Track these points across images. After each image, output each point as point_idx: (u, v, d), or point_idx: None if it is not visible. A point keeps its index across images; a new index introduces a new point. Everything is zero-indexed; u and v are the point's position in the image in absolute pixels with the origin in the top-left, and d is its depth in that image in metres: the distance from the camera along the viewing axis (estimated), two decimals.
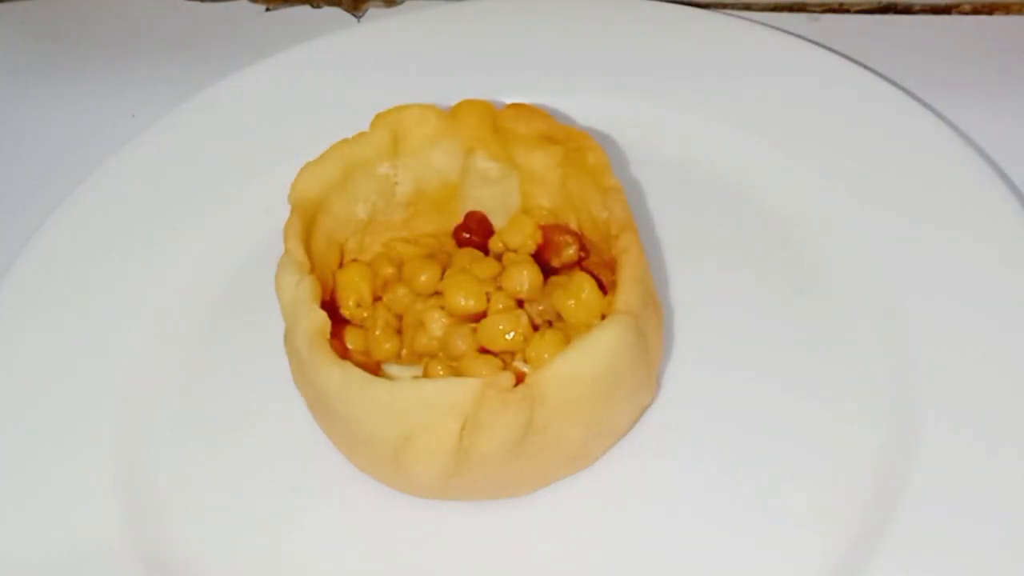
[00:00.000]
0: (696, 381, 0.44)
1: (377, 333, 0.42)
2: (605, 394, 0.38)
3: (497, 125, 0.44)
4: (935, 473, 0.39)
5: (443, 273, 0.42)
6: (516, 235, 0.44)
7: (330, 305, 0.43)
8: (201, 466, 0.43)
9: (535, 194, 0.44)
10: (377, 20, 0.57)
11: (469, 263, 0.42)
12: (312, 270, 0.40)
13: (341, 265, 0.44)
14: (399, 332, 0.42)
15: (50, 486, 0.42)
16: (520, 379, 0.37)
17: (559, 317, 0.41)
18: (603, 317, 0.40)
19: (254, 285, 0.46)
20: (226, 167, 0.51)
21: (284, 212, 0.42)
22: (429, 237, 0.45)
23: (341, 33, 0.56)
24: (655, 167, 0.50)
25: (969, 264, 0.44)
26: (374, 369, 0.42)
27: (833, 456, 0.41)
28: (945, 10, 0.57)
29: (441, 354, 0.41)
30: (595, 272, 0.42)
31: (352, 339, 0.42)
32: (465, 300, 0.41)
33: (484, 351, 0.41)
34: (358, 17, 0.60)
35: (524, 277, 0.41)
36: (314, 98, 0.53)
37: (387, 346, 0.42)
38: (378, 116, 0.44)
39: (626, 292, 0.38)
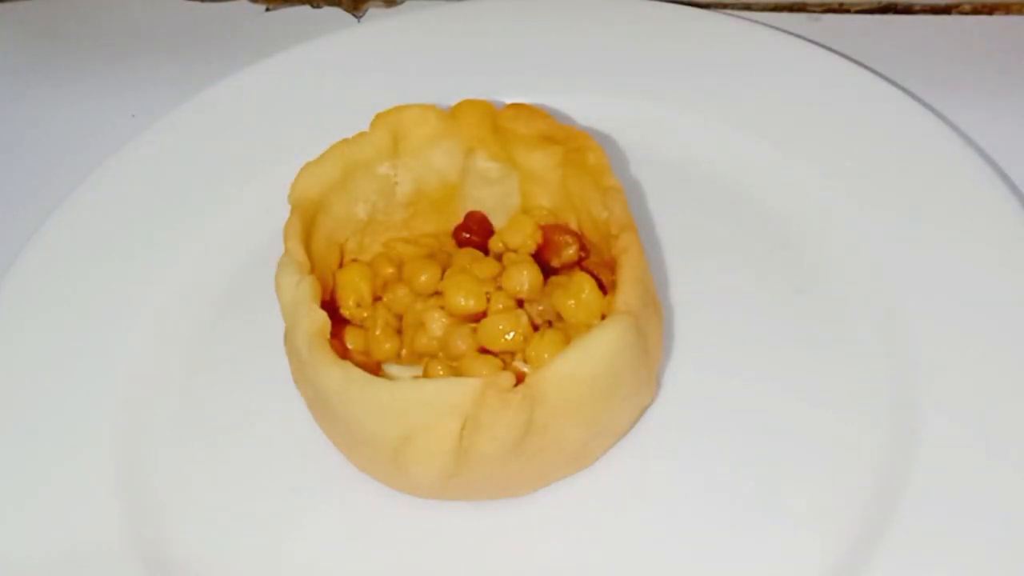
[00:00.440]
0: (696, 381, 0.44)
1: (377, 333, 0.42)
2: (605, 394, 0.38)
3: (497, 125, 0.44)
4: (935, 473, 0.39)
5: (443, 273, 0.42)
6: (516, 235, 0.44)
7: (330, 305, 0.43)
8: (201, 466, 0.43)
9: (535, 194, 0.44)
10: (377, 20, 0.57)
11: (469, 263, 0.42)
12: (312, 270, 0.40)
13: (341, 265, 0.44)
14: (399, 332, 0.42)
15: (50, 486, 0.42)
16: (520, 379, 0.37)
17: (559, 317, 0.41)
18: (603, 317, 0.40)
19: (254, 285, 0.46)
20: (226, 167, 0.51)
21: (284, 212, 0.42)
22: (429, 237, 0.45)
23: (341, 33, 0.56)
24: (655, 167, 0.50)
25: (969, 264, 0.44)
26: (374, 369, 0.42)
27: (833, 456, 0.41)
28: (945, 10, 0.57)
29: (441, 354, 0.41)
30: (595, 272, 0.42)
31: (352, 339, 0.42)
32: (465, 300, 0.41)
33: (484, 351, 0.41)
34: (358, 17, 0.60)
35: (524, 277, 0.41)
36: (314, 98, 0.53)
37: (387, 346, 0.42)
38: (378, 116, 0.44)
39: (626, 292, 0.38)
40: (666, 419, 0.43)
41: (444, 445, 0.37)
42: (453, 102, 0.44)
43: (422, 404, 0.37)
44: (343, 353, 0.41)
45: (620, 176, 0.43)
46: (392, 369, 0.42)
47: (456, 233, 0.45)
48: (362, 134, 0.44)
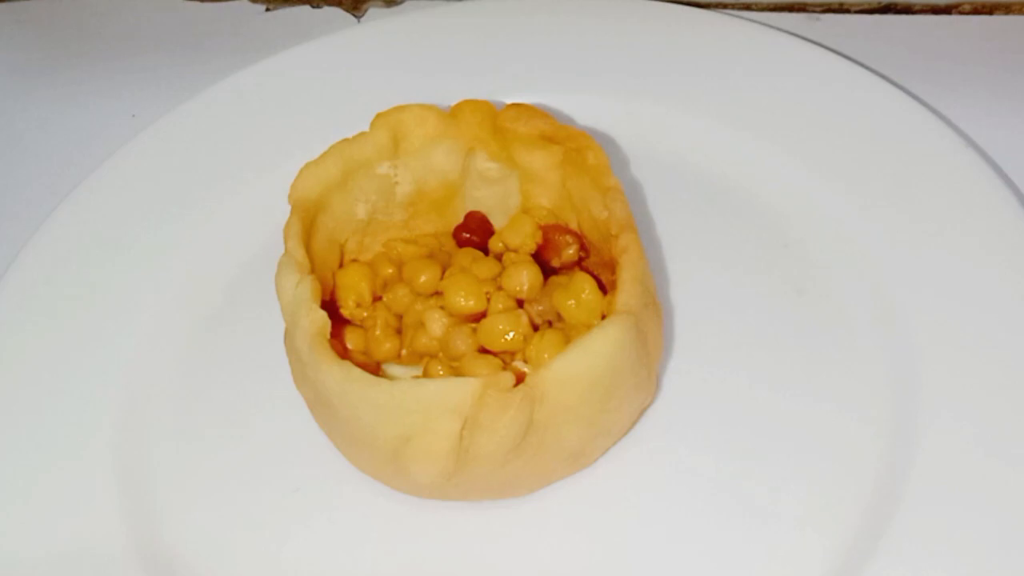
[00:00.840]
0: (696, 381, 0.44)
1: (377, 333, 0.42)
2: (605, 394, 0.38)
3: (497, 125, 0.44)
4: (935, 473, 0.39)
5: (443, 273, 0.42)
6: (516, 235, 0.44)
7: (330, 305, 0.43)
8: (201, 466, 0.43)
9: (535, 194, 0.44)
10: (377, 20, 0.57)
11: (469, 263, 0.42)
12: (312, 270, 0.40)
13: (341, 265, 0.44)
14: (399, 332, 0.42)
15: (50, 486, 0.42)
16: (520, 379, 0.37)
17: (559, 317, 0.41)
18: (603, 317, 0.40)
19: (254, 285, 0.46)
20: (226, 167, 0.51)
21: (284, 212, 0.42)
22: (429, 237, 0.45)
23: (341, 33, 0.56)
24: (655, 167, 0.50)
25: (969, 264, 0.44)
26: (374, 369, 0.42)
27: (833, 456, 0.41)
28: (945, 10, 0.57)
29: (441, 354, 0.41)
30: (595, 272, 0.42)
31: (352, 339, 0.42)
32: (465, 300, 0.41)
33: (484, 351, 0.41)
34: (358, 17, 0.60)
35: (524, 277, 0.41)
36: (314, 98, 0.53)
37: (387, 346, 0.42)
38: (378, 116, 0.44)
39: (626, 292, 0.38)
40: (666, 419, 0.43)
41: (444, 445, 0.37)
42: (453, 102, 0.44)
43: (422, 404, 0.37)
44: (343, 353, 0.41)
45: (620, 176, 0.43)
46: (392, 369, 0.42)
47: (456, 233, 0.45)
48: (362, 134, 0.44)
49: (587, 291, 0.40)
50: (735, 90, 0.51)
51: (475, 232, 0.45)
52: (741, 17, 0.56)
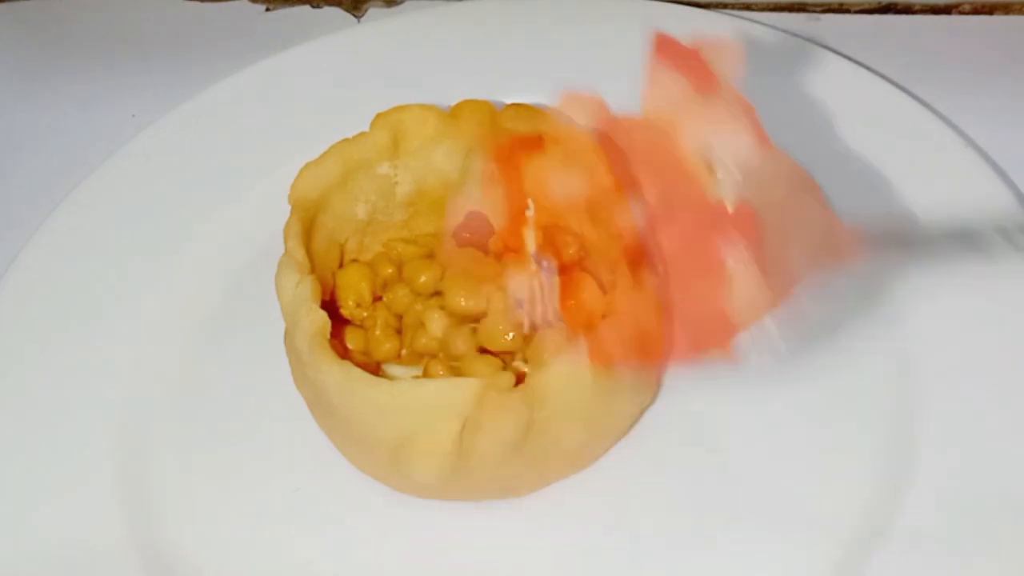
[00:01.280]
0: (696, 381, 0.44)
1: (377, 333, 0.42)
2: (605, 394, 0.38)
3: (497, 125, 0.44)
4: (935, 473, 0.39)
5: (443, 273, 0.42)
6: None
7: (330, 305, 0.43)
8: (201, 466, 0.43)
9: None
10: (377, 20, 0.58)
11: (469, 263, 0.42)
12: (312, 270, 0.40)
13: (341, 265, 0.44)
14: (399, 332, 0.42)
15: (50, 486, 0.42)
16: (520, 379, 0.37)
17: (559, 317, 0.41)
18: (603, 317, 0.40)
19: (254, 285, 0.46)
20: (226, 167, 0.51)
21: (284, 212, 0.42)
22: (429, 237, 0.45)
23: (341, 33, 0.56)
24: None
25: (970, 264, 0.44)
26: (374, 369, 0.42)
27: (833, 457, 0.41)
28: (945, 10, 0.57)
29: (441, 354, 0.41)
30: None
31: (352, 339, 0.42)
32: (465, 300, 0.41)
33: (484, 351, 0.41)
34: (358, 17, 0.60)
35: None
36: (314, 98, 0.53)
37: (387, 346, 0.42)
38: (378, 116, 0.44)
39: (626, 292, 0.38)
40: (666, 419, 0.43)
41: (444, 445, 0.37)
42: (453, 102, 0.44)
43: (422, 404, 0.37)
44: (343, 353, 0.41)
45: None
46: (392, 369, 0.42)
47: (456, 233, 0.45)
48: (362, 134, 0.44)
49: (587, 291, 0.40)
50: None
51: (475, 232, 0.45)
52: (741, 17, 0.56)
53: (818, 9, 0.58)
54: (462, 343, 0.40)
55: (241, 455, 0.43)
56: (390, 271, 0.44)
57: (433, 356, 0.41)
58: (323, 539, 0.41)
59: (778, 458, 0.41)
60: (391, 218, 0.45)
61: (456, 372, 0.40)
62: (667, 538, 0.40)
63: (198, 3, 0.63)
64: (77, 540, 0.41)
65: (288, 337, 0.40)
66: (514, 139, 0.41)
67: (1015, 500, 0.38)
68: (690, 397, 0.43)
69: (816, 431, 0.42)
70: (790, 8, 0.58)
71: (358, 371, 0.37)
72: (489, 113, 0.44)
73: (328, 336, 0.38)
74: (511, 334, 0.40)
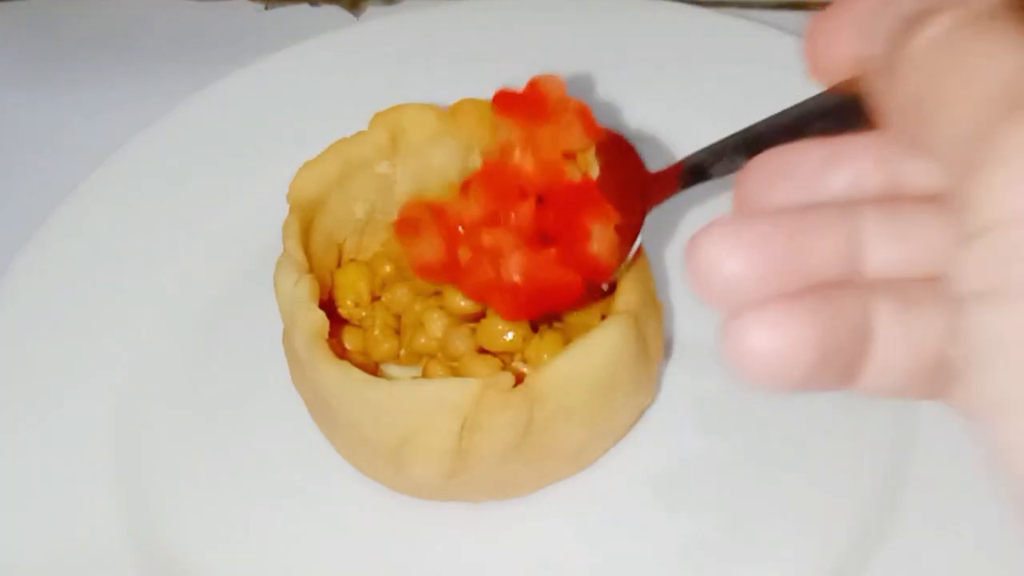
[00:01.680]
0: (696, 381, 0.44)
1: (376, 333, 0.42)
2: (605, 394, 0.38)
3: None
4: (935, 475, 0.39)
5: None
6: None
7: (328, 305, 0.43)
8: (200, 466, 0.43)
9: None
10: (376, 19, 0.57)
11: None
12: (310, 270, 0.40)
13: (340, 265, 0.44)
14: (398, 332, 0.42)
15: (50, 486, 0.42)
16: (520, 379, 0.37)
17: (559, 317, 0.41)
18: (603, 317, 0.39)
19: (254, 285, 0.45)
20: (225, 167, 0.51)
21: (283, 212, 0.42)
22: None
23: (340, 32, 0.56)
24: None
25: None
26: (373, 369, 0.42)
27: (833, 456, 0.41)
28: None
29: (440, 354, 0.41)
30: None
31: (351, 339, 0.42)
32: (464, 300, 0.41)
33: (483, 351, 0.40)
34: (357, 15, 0.60)
35: None
36: (313, 97, 0.53)
37: (386, 346, 0.42)
38: (377, 115, 0.44)
39: (626, 292, 0.38)
40: (666, 419, 0.43)
41: (444, 445, 0.37)
42: (452, 101, 0.44)
43: (422, 404, 0.36)
44: (342, 353, 0.41)
45: None
46: (391, 369, 0.42)
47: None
48: (361, 133, 0.44)
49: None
50: (735, 89, 0.51)
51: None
52: (741, 16, 0.56)
53: (818, 8, 0.58)
54: (461, 343, 0.40)
55: (240, 455, 0.43)
56: (389, 271, 0.43)
57: (432, 356, 0.41)
58: (322, 539, 0.41)
59: (778, 457, 0.41)
60: (390, 217, 0.45)
61: (455, 372, 0.40)
62: (667, 538, 0.40)
63: (197, 2, 0.63)
64: (77, 540, 0.41)
65: (286, 337, 0.40)
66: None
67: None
68: (690, 397, 0.43)
69: (816, 431, 0.42)
70: (790, 6, 0.58)
71: (357, 371, 0.37)
72: (489, 112, 0.44)
73: (326, 336, 0.38)
74: (511, 334, 0.40)
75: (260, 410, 0.44)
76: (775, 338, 0.20)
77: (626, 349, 0.37)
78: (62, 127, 0.58)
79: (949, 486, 0.39)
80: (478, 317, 0.41)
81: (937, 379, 0.21)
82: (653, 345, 0.40)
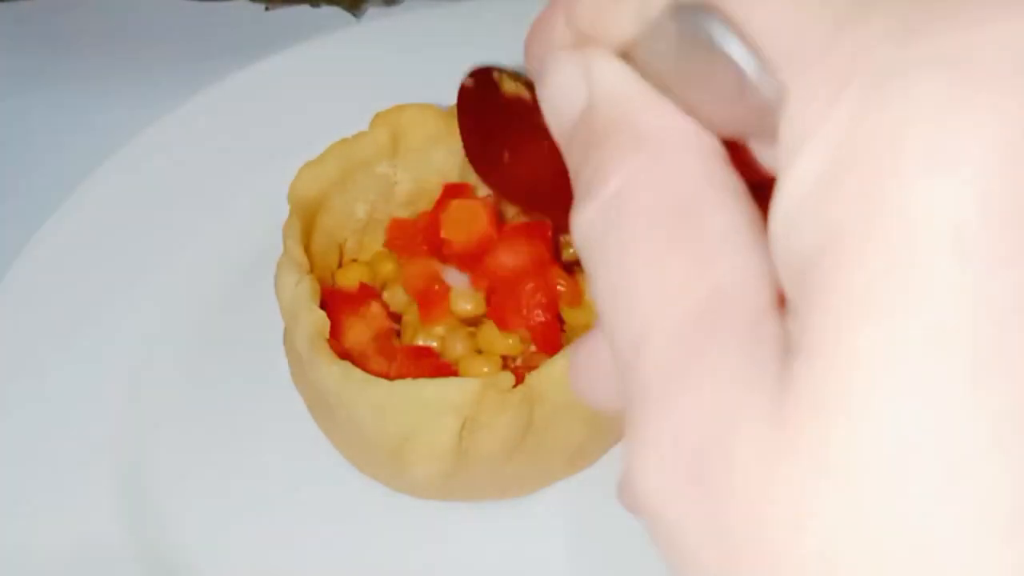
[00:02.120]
0: None
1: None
2: None
3: None
4: None
5: None
6: None
7: (328, 305, 0.42)
8: (201, 466, 0.43)
9: None
10: (377, 20, 0.57)
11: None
12: (311, 270, 0.40)
13: (340, 265, 0.44)
14: (398, 333, 0.42)
15: (50, 486, 0.42)
16: (520, 379, 0.37)
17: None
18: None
19: (254, 285, 0.45)
20: (226, 167, 0.51)
21: (284, 212, 0.42)
22: None
23: (341, 32, 0.56)
24: None
25: None
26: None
27: None
28: None
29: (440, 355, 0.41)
30: None
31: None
32: (464, 302, 0.41)
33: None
34: (358, 16, 0.60)
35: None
36: (314, 98, 0.53)
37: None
38: (378, 115, 0.44)
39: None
40: None
41: (444, 445, 0.37)
42: (452, 101, 0.44)
43: (422, 404, 0.36)
44: (342, 353, 0.41)
45: None
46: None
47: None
48: (361, 133, 0.44)
49: (587, 291, 0.40)
50: None
51: None
52: None
53: None
54: (460, 346, 0.40)
55: (241, 455, 0.43)
56: (389, 270, 0.44)
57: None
58: (323, 539, 0.41)
59: None
60: (390, 217, 0.45)
61: (456, 372, 0.40)
62: None
63: (198, 2, 0.63)
64: (77, 541, 0.41)
65: (287, 337, 0.40)
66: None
67: None
68: None
69: None
70: None
71: (358, 371, 0.37)
72: None
73: (327, 336, 0.38)
74: (511, 339, 0.40)
75: (261, 410, 0.44)
76: None
77: None
78: (62, 127, 0.58)
79: None
80: (478, 320, 0.41)
81: None
82: None
